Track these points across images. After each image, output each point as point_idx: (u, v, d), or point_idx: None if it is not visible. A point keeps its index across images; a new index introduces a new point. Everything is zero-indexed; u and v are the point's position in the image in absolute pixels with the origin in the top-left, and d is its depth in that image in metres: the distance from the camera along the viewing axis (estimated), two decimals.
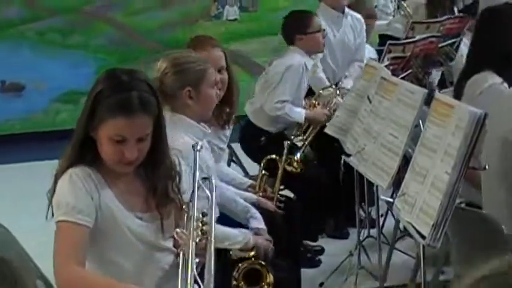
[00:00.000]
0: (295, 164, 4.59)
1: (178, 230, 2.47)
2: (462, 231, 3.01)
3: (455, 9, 6.69)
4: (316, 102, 5.15)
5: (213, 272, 2.30)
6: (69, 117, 8.49)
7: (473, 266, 1.16)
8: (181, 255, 2.43)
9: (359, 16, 5.71)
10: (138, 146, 2.44)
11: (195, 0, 9.03)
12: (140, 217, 2.53)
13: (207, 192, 2.63)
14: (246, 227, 3.49)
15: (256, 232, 3.46)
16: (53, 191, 2.47)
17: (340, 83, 5.47)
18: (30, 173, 6.39)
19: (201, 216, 2.48)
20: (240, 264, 3.28)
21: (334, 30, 5.44)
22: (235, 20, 9.22)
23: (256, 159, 4.98)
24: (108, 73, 2.52)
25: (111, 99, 2.41)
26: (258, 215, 3.51)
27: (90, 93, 2.46)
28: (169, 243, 2.59)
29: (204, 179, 2.68)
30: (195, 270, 2.30)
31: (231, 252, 3.32)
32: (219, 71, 3.66)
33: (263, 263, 3.29)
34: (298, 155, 4.68)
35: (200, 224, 2.45)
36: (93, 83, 2.49)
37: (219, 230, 3.27)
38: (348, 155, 3.92)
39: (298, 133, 5.01)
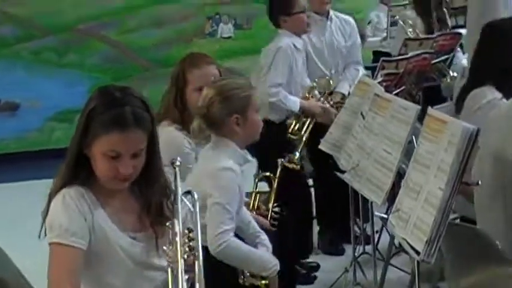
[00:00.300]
0: (295, 159, 4.59)
1: (165, 247, 2.45)
2: (456, 247, 3.01)
3: (449, 22, 6.74)
4: (310, 95, 5.13)
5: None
6: (64, 136, 8.50)
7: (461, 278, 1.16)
8: (169, 271, 2.42)
9: (348, 18, 5.66)
10: (132, 162, 2.42)
11: (190, 19, 9.06)
12: (133, 237, 2.51)
13: (190, 206, 2.62)
14: None
15: None
16: (46, 210, 2.45)
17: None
18: (25, 192, 6.37)
19: (187, 231, 2.46)
20: None
21: (319, 34, 5.40)
22: (229, 37, 9.26)
23: (257, 151, 4.91)
24: (101, 90, 2.51)
25: (104, 115, 2.40)
26: (267, 242, 3.44)
27: (84, 110, 2.45)
28: (164, 262, 2.58)
29: (187, 193, 2.66)
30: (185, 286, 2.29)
31: (243, 277, 3.30)
32: None
33: None
34: (297, 154, 4.68)
35: (187, 240, 2.44)
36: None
37: (254, 253, 3.28)
38: (342, 171, 3.92)
39: (296, 127, 4.98)
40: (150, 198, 2.53)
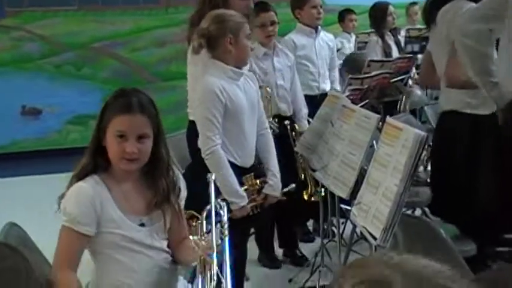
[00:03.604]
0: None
1: (194, 237, 2.47)
2: (408, 235, 3.02)
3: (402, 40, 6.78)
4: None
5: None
6: (79, 137, 8.48)
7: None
8: (199, 259, 2.42)
9: (330, 35, 5.58)
10: (138, 145, 2.42)
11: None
12: (140, 220, 2.51)
13: (221, 212, 2.63)
14: None
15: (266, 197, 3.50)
16: (66, 192, 2.46)
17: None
18: (45, 184, 6.34)
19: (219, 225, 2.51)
20: None
21: (310, 43, 5.25)
22: None
23: None
24: (115, 90, 2.54)
25: (115, 104, 2.44)
26: (275, 183, 3.50)
27: (101, 109, 2.48)
28: (163, 244, 2.58)
29: (223, 200, 2.72)
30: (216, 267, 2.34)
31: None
32: None
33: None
34: None
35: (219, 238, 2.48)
36: (100, 108, 2.50)
37: (231, 176, 3.33)
38: (314, 170, 3.92)
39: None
40: (157, 184, 2.52)
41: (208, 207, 2.57)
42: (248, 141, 3.46)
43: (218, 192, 3.17)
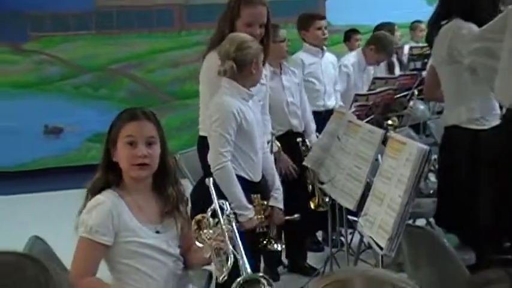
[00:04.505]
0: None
1: (205, 231, 2.49)
2: (413, 245, 3.01)
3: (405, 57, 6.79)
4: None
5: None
6: (98, 154, 8.40)
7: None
8: (213, 251, 2.45)
9: (334, 57, 5.62)
10: (147, 149, 2.48)
11: (199, 60, 9.07)
12: (156, 228, 2.54)
13: (233, 226, 2.60)
14: None
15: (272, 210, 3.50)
16: (84, 205, 2.49)
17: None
18: (66, 199, 6.36)
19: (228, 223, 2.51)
20: None
21: (317, 61, 5.30)
22: None
23: None
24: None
25: (121, 118, 2.53)
26: (278, 196, 3.54)
27: (109, 127, 2.57)
28: (177, 251, 2.60)
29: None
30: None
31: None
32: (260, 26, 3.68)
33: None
34: None
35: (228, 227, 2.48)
36: None
37: (239, 190, 3.30)
38: (322, 183, 3.93)
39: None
40: (167, 193, 2.56)
41: (212, 206, 2.57)
42: (258, 157, 3.48)
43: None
